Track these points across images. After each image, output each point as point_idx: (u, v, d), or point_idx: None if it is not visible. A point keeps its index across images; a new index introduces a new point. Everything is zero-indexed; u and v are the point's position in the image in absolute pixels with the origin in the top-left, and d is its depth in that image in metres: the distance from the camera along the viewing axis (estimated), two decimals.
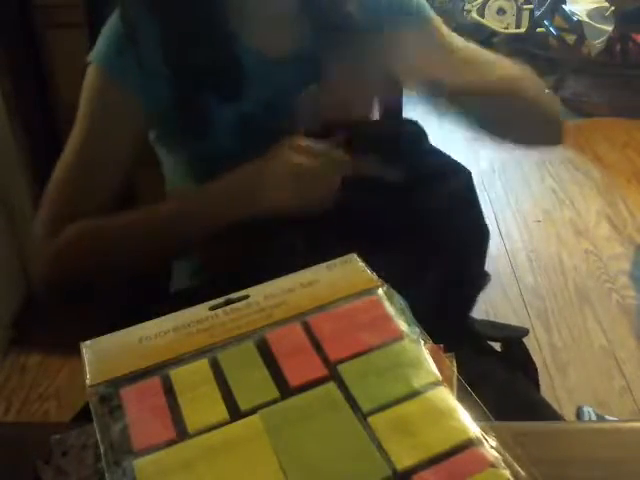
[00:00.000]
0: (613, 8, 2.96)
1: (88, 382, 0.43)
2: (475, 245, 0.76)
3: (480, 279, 0.77)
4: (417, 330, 0.47)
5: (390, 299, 0.49)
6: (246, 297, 0.49)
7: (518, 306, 1.94)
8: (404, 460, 0.39)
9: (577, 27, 3.04)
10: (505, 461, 0.39)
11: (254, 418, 0.41)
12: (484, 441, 0.40)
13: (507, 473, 0.38)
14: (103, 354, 0.45)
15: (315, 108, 0.73)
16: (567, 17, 3.07)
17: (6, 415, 1.60)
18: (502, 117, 0.81)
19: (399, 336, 0.46)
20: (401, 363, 0.44)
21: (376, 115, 1.00)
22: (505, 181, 2.55)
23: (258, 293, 0.49)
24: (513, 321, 1.76)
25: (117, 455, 0.39)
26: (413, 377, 0.43)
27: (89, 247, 0.76)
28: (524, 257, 2.14)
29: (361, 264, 0.52)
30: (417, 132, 0.75)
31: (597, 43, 3.02)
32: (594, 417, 1.50)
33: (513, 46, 3.28)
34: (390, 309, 0.48)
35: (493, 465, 0.39)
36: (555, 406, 0.78)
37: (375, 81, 0.88)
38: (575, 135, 2.80)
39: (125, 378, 0.44)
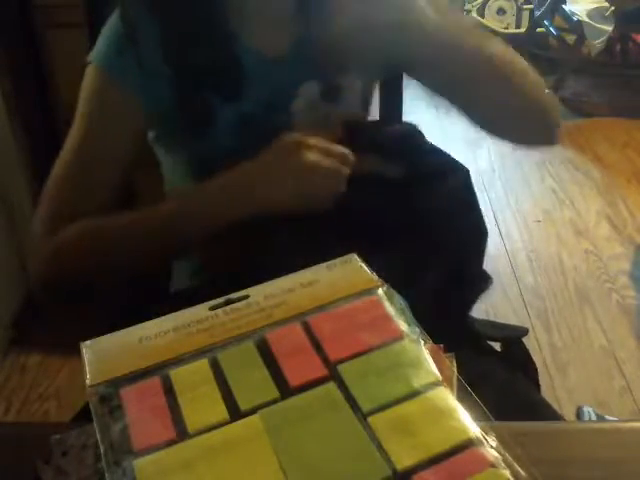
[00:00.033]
0: (613, 8, 2.96)
1: (88, 382, 0.43)
2: (473, 244, 0.76)
3: (480, 280, 0.77)
4: (417, 330, 0.47)
5: (390, 299, 0.49)
6: (246, 297, 0.49)
7: (518, 306, 1.94)
8: (404, 460, 0.39)
9: (577, 27, 3.03)
10: (505, 461, 0.39)
11: (254, 418, 0.41)
12: (484, 441, 0.40)
13: (507, 473, 0.38)
14: (103, 354, 0.45)
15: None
16: (567, 17, 3.07)
17: (6, 415, 1.60)
18: (501, 116, 0.81)
19: (399, 336, 0.46)
20: (401, 363, 0.44)
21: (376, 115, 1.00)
22: (505, 181, 2.55)
23: (258, 293, 0.49)
24: (513, 321, 1.75)
25: (117, 455, 0.39)
26: (413, 377, 0.43)
27: (89, 247, 0.76)
28: (524, 257, 2.14)
29: (361, 264, 0.52)
30: (416, 132, 0.76)
31: (597, 43, 3.02)
32: (594, 417, 1.50)
33: (513, 46, 3.27)
34: (390, 309, 0.48)
35: (493, 465, 0.39)
36: (555, 406, 0.78)
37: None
38: (575, 135, 2.80)
39: (125, 378, 0.44)
